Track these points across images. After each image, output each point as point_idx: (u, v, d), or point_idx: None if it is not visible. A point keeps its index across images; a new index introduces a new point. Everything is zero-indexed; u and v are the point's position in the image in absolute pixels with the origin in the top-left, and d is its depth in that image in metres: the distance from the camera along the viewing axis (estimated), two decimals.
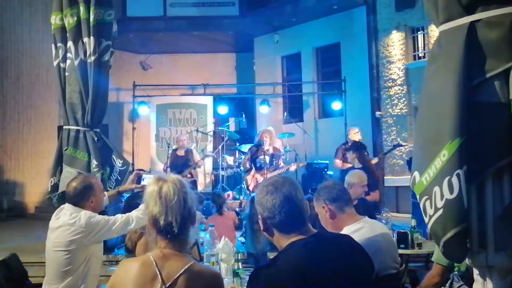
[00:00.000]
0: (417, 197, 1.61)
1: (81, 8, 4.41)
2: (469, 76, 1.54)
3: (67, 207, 3.01)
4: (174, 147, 8.41)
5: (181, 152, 8.10)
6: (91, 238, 2.90)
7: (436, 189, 1.52)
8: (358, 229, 2.62)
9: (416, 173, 1.61)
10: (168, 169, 7.96)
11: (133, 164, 9.06)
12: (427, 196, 1.56)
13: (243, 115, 10.46)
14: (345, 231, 2.60)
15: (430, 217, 1.55)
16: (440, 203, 1.51)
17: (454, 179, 1.48)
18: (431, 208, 1.54)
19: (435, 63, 1.64)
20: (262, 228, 1.93)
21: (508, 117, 1.52)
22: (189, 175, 7.98)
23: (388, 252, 2.71)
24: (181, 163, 7.97)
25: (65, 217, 2.93)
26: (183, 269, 1.70)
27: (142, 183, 3.37)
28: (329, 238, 2.01)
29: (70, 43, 4.45)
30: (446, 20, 1.62)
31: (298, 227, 1.83)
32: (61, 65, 4.52)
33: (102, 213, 3.14)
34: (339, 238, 2.10)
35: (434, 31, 8.34)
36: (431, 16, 1.72)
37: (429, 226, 1.59)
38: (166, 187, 1.74)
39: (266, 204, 1.84)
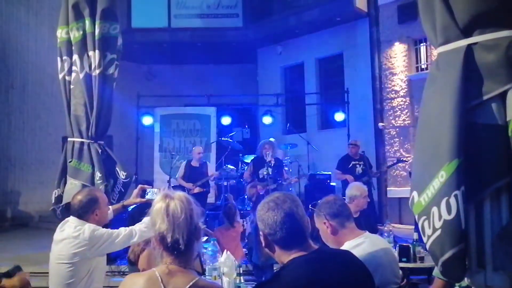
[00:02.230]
0: (416, 217, 1.63)
1: (87, 22, 4.46)
2: (466, 97, 1.56)
3: (71, 220, 3.03)
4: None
5: (195, 164, 8.03)
6: (94, 251, 2.92)
7: (434, 209, 1.54)
8: (359, 244, 2.62)
9: (414, 193, 1.63)
10: (180, 179, 7.91)
11: (136, 174, 9.09)
12: (425, 217, 1.58)
13: (246, 126, 10.50)
14: (346, 246, 2.60)
15: (429, 237, 1.56)
16: (438, 224, 1.53)
17: (452, 200, 1.50)
18: (430, 228, 1.56)
19: (433, 84, 1.67)
20: (263, 244, 1.94)
21: (505, 138, 1.54)
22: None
23: (389, 267, 2.71)
24: (196, 175, 7.91)
25: (69, 230, 2.95)
26: (188, 286, 1.71)
27: (147, 197, 3.39)
28: (330, 254, 2.02)
29: (75, 57, 4.49)
30: (444, 42, 1.65)
31: (299, 243, 1.84)
32: (67, 78, 4.56)
33: (105, 226, 3.15)
34: (340, 254, 2.11)
35: None
36: (429, 38, 1.74)
37: (427, 246, 1.60)
38: (173, 204, 1.76)
39: (267, 220, 1.86)
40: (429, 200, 1.56)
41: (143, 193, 3.39)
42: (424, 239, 1.61)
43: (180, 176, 8.04)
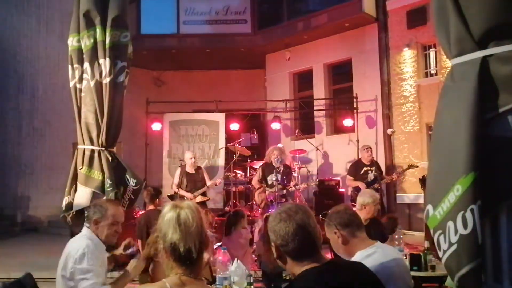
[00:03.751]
0: (431, 231, 1.61)
1: (98, 30, 4.46)
2: (482, 110, 1.54)
3: (82, 232, 3.02)
4: (182, 163, 8.00)
5: (191, 170, 7.79)
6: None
7: (450, 223, 1.52)
8: (371, 254, 2.61)
9: (429, 206, 1.61)
10: (178, 188, 7.67)
11: (145, 180, 9.10)
12: (441, 231, 1.56)
13: (255, 132, 10.50)
14: (358, 256, 2.59)
15: (444, 252, 1.54)
16: (454, 238, 1.51)
17: (468, 214, 1.48)
18: (445, 243, 1.54)
19: (447, 96, 1.65)
20: (275, 256, 1.94)
21: None
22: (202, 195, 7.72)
23: (401, 277, 2.68)
24: (193, 182, 7.69)
25: (73, 246, 2.94)
26: None
27: (130, 250, 3.32)
28: (342, 266, 2.01)
29: (86, 64, 4.49)
30: (459, 54, 1.63)
31: (311, 255, 1.84)
32: (77, 85, 4.56)
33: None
34: (352, 265, 2.10)
35: None
36: (443, 49, 1.73)
37: (443, 260, 1.58)
38: (184, 213, 1.74)
39: (279, 231, 1.85)
40: (445, 214, 1.54)
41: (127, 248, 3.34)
42: (440, 254, 1.59)
43: (175, 183, 7.76)
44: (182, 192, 7.60)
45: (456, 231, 1.50)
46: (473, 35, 1.57)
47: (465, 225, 1.48)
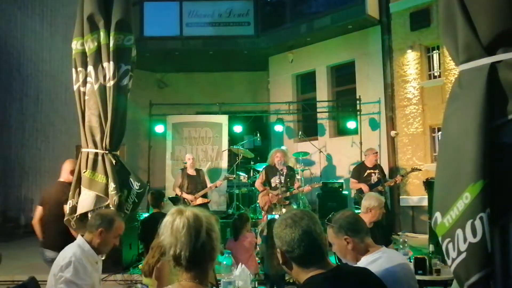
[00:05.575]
0: (439, 238, 1.60)
1: (102, 34, 4.49)
2: (490, 116, 1.53)
3: (77, 239, 2.99)
4: (182, 166, 8.06)
5: (192, 172, 7.80)
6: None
7: (459, 232, 1.51)
8: (376, 259, 2.59)
9: (437, 214, 1.60)
10: (181, 191, 7.67)
11: (148, 182, 9.12)
12: (449, 239, 1.54)
13: (258, 134, 10.49)
14: (363, 261, 2.58)
15: (453, 260, 1.53)
16: (463, 247, 1.49)
17: (477, 223, 1.46)
18: (454, 251, 1.52)
19: (455, 102, 1.64)
20: (281, 262, 1.93)
21: None
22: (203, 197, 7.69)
23: (406, 282, 2.67)
24: (194, 184, 7.69)
25: (63, 252, 2.90)
26: None
27: None
28: (348, 272, 2.00)
29: (90, 68, 4.52)
30: (467, 60, 1.62)
31: (317, 261, 1.83)
32: (81, 89, 4.59)
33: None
34: (358, 272, 2.08)
35: None
36: (451, 55, 1.71)
37: (452, 269, 1.56)
38: (178, 220, 1.76)
39: (285, 237, 1.84)
40: (454, 222, 1.53)
41: None
42: (448, 262, 1.57)
43: (177, 185, 7.75)
44: (183, 194, 7.61)
45: (465, 239, 1.49)
46: (482, 41, 1.56)
47: (474, 233, 1.47)
